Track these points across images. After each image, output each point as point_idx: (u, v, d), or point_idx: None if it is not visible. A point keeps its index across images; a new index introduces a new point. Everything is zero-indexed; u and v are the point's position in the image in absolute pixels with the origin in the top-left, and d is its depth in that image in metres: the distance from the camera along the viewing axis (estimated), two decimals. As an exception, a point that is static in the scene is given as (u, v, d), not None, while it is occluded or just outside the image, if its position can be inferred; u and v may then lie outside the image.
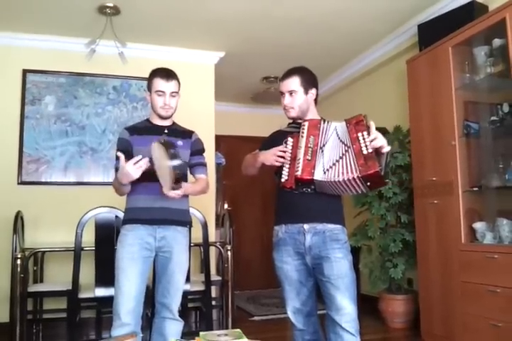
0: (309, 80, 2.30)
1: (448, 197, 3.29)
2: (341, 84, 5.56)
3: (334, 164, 2.05)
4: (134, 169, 2.18)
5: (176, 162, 2.08)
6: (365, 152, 1.98)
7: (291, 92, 2.27)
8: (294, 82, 2.27)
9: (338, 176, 2.02)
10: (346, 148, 2.04)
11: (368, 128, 2.01)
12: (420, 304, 3.61)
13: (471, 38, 3.19)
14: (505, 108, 3.04)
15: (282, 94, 2.31)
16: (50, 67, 4.36)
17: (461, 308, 3.14)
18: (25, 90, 4.29)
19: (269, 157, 2.21)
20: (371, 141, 1.98)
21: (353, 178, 1.99)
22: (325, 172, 2.05)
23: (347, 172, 2.00)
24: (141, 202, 2.38)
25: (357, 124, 2.04)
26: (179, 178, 2.13)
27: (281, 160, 2.17)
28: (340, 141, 2.07)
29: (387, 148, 2.01)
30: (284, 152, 2.18)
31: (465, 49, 3.30)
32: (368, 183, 2.01)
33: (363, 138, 2.00)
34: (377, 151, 2.00)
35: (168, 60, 4.24)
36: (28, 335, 3.47)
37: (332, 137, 2.10)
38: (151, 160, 2.22)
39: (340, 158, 2.04)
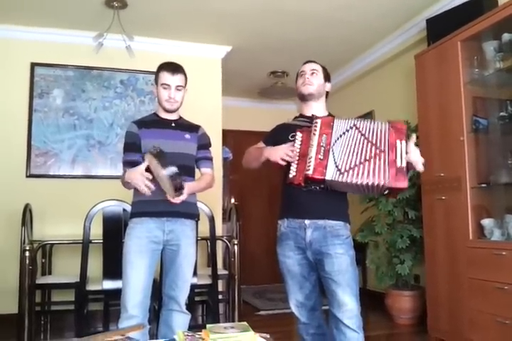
0: (327, 73, 2.37)
1: (456, 193, 3.28)
2: (349, 79, 5.53)
3: (356, 165, 1.98)
4: (142, 180, 2.21)
5: (170, 170, 2.09)
6: (398, 164, 1.95)
7: (313, 71, 2.30)
8: (318, 66, 2.34)
9: (362, 178, 1.96)
10: (377, 152, 1.98)
11: (407, 138, 1.99)
12: (427, 300, 3.61)
13: (480, 32, 3.16)
14: (515, 103, 3.03)
15: (303, 72, 2.32)
16: (57, 61, 4.37)
17: (468, 305, 3.13)
18: (33, 83, 4.31)
19: (275, 153, 2.16)
20: (407, 153, 1.96)
21: (378, 184, 1.95)
22: (342, 173, 1.98)
23: (373, 177, 1.95)
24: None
25: (398, 130, 1.99)
26: (179, 185, 2.15)
27: (288, 159, 2.12)
28: (369, 141, 2.01)
29: (420, 168, 2.00)
30: (293, 151, 2.12)
31: (474, 44, 3.27)
32: (386, 192, 2.00)
33: (401, 148, 1.96)
34: (408, 166, 1.97)
35: (175, 54, 4.24)
36: (36, 327, 3.50)
37: (353, 135, 2.04)
38: (148, 170, 2.22)
39: (367, 160, 1.98)
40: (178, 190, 2.16)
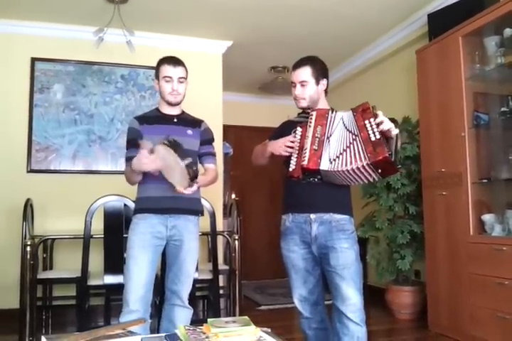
0: (320, 71, 2.27)
1: (457, 189, 3.28)
2: (350, 75, 5.52)
3: (341, 153, 2.02)
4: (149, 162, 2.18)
5: (188, 161, 2.08)
6: (373, 138, 1.95)
7: (302, 83, 2.24)
8: (306, 73, 2.24)
9: (346, 165, 1.99)
10: (354, 137, 2.01)
11: (375, 115, 1.97)
12: (428, 295, 3.62)
13: (481, 27, 3.16)
14: (516, 99, 3.02)
15: (293, 83, 2.28)
16: (58, 56, 4.35)
17: (469, 300, 3.15)
18: (33, 78, 4.29)
19: (278, 147, 2.22)
20: (378, 126, 1.94)
21: (363, 166, 1.96)
22: (331, 162, 2.03)
23: (355, 161, 1.97)
24: (152, 191, 2.40)
25: (363, 112, 2.01)
26: (194, 176, 2.13)
27: (290, 150, 2.17)
28: (347, 130, 2.04)
29: (395, 131, 1.95)
30: (293, 142, 2.18)
31: (475, 39, 3.27)
32: (379, 170, 1.97)
33: (371, 125, 1.96)
34: (386, 137, 1.96)
35: (175, 49, 4.22)
36: (37, 321, 3.51)
37: (338, 127, 2.08)
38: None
39: (348, 147, 2.01)
40: (193, 179, 2.14)
